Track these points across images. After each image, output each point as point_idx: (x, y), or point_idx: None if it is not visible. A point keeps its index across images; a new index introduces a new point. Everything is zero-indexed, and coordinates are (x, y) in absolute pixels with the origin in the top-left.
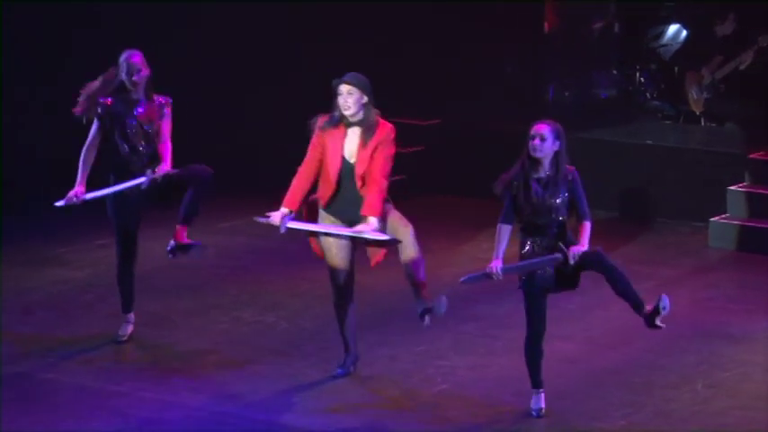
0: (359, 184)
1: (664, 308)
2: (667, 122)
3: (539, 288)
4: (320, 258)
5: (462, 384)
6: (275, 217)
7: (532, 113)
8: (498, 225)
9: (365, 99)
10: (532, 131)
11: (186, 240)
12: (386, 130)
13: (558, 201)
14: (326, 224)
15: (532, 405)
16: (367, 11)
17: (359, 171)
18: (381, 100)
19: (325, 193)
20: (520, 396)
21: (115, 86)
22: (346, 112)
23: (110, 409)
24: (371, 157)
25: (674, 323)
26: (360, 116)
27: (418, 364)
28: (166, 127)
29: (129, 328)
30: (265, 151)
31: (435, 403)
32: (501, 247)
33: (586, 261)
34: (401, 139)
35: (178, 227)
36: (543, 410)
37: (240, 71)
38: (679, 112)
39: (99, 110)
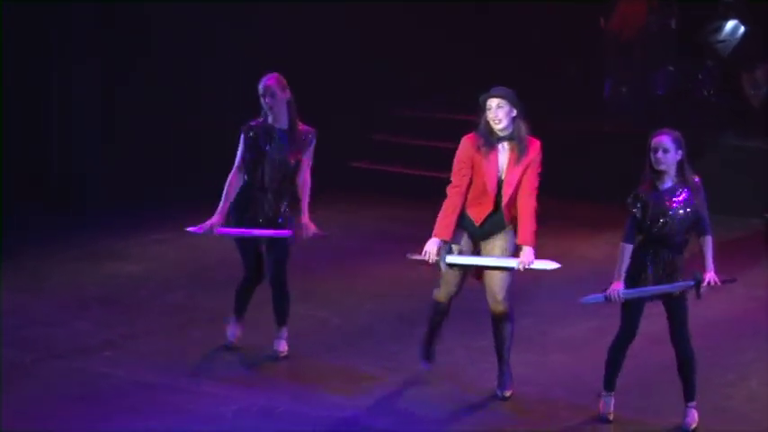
0: (504, 201)
1: None
2: (725, 119)
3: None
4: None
5: (517, 381)
6: (432, 253)
7: (588, 111)
8: (621, 244)
9: (514, 112)
10: (654, 143)
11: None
12: (537, 147)
13: (687, 211)
14: (484, 257)
15: (602, 409)
16: (426, 13)
17: (507, 189)
18: (439, 97)
19: (480, 212)
20: (574, 393)
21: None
22: (497, 126)
23: (166, 403)
24: (522, 175)
25: (733, 321)
26: (509, 130)
27: (473, 359)
28: (308, 162)
29: (235, 333)
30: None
31: (490, 398)
32: (623, 268)
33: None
34: (459, 136)
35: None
36: (612, 415)
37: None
38: (737, 108)
39: (250, 134)
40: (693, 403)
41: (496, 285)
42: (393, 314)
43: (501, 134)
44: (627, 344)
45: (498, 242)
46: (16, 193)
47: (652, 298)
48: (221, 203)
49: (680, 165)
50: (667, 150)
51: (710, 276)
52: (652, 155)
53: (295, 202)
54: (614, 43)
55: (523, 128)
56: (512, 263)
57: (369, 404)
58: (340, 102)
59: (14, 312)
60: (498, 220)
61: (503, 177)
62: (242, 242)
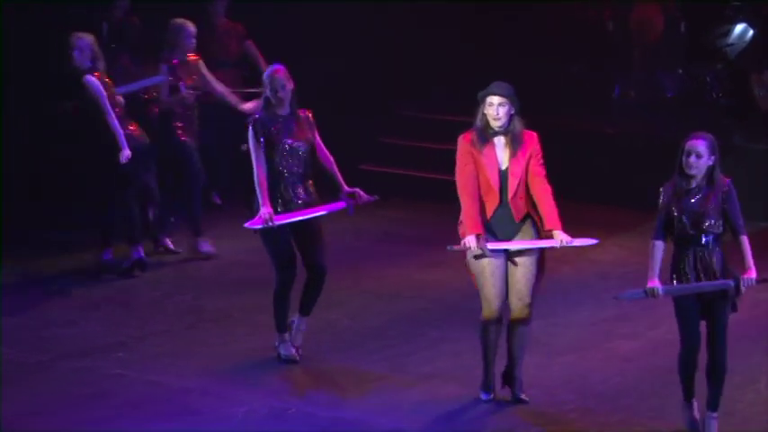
0: (510, 194)
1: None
2: (733, 121)
3: (691, 302)
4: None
5: (526, 382)
6: (471, 242)
7: (598, 112)
8: (652, 242)
9: (513, 110)
10: (687, 147)
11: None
12: (534, 139)
13: (709, 211)
14: (521, 240)
15: (686, 417)
16: (435, 12)
17: (512, 180)
18: (445, 98)
19: (488, 208)
20: (583, 395)
21: (262, 104)
22: (496, 123)
23: (176, 403)
24: (526, 167)
25: (738, 324)
26: (506, 126)
27: (480, 361)
28: (319, 139)
29: (292, 348)
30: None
31: (499, 401)
32: (657, 265)
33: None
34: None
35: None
36: (698, 421)
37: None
38: (745, 110)
39: (258, 126)
40: (716, 414)
41: (524, 287)
42: (401, 315)
43: (498, 130)
44: (693, 356)
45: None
46: (24, 196)
47: (700, 304)
48: (261, 195)
49: (710, 170)
50: (700, 155)
51: (749, 275)
52: (684, 158)
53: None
54: (624, 46)
55: (519, 123)
56: (551, 242)
57: (378, 405)
58: (348, 105)
59: (27, 314)
60: (506, 216)
61: (504, 169)
62: (277, 241)
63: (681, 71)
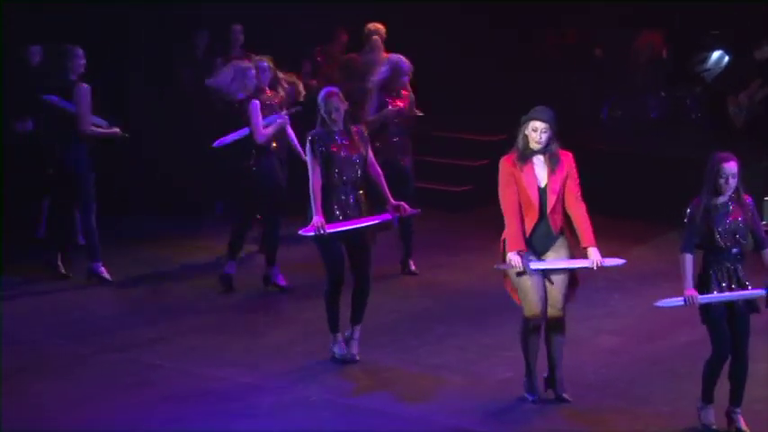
0: (549, 209)
1: None
2: (711, 138)
3: (720, 313)
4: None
5: (522, 375)
6: (516, 261)
7: (588, 130)
8: (683, 254)
9: (552, 133)
10: (724, 170)
11: None
12: (570, 158)
13: (739, 226)
14: (557, 259)
15: (703, 419)
16: (435, 27)
17: (551, 196)
18: (450, 116)
19: (529, 222)
20: (575, 384)
21: (317, 122)
22: (536, 146)
23: (209, 391)
24: (564, 185)
25: None
26: (544, 146)
27: (485, 354)
28: (372, 154)
29: (344, 347)
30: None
31: (500, 389)
32: (689, 276)
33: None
34: (470, 152)
35: None
36: (714, 424)
37: None
38: (722, 129)
39: (315, 140)
40: (739, 409)
41: (558, 297)
42: (412, 312)
43: (536, 150)
44: (722, 363)
45: (551, 254)
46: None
47: (728, 313)
48: (315, 204)
49: (736, 187)
50: (735, 177)
51: None
52: (722, 180)
53: (364, 193)
54: (611, 70)
55: (555, 143)
56: (585, 263)
57: (391, 393)
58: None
59: (76, 309)
60: (545, 231)
61: (543, 186)
62: (329, 247)
63: (663, 94)
